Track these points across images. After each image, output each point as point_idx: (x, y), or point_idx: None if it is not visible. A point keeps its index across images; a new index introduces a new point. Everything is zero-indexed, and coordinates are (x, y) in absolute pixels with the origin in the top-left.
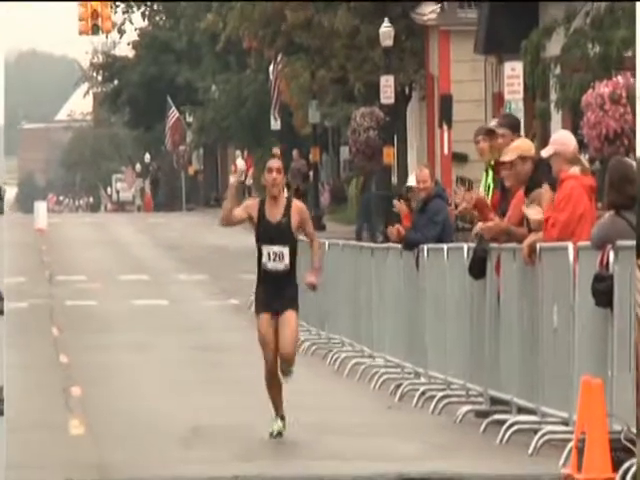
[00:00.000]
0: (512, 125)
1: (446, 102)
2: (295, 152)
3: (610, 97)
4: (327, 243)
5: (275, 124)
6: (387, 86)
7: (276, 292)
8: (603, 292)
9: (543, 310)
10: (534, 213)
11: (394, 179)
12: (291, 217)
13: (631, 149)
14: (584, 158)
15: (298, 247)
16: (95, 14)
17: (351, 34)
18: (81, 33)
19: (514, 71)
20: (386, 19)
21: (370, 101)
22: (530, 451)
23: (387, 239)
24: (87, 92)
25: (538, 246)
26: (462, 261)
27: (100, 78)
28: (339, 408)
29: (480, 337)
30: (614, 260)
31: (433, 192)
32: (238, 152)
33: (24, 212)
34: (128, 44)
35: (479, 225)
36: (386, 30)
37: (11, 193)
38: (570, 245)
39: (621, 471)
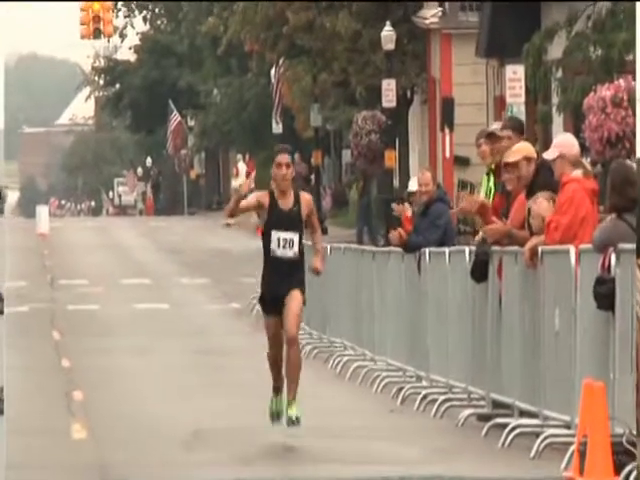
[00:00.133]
0: (517, 128)
1: (448, 105)
2: (297, 155)
3: (612, 100)
4: (329, 247)
5: (277, 127)
6: (389, 89)
7: (283, 279)
8: (605, 295)
9: (545, 313)
10: (542, 209)
11: (396, 182)
12: (301, 206)
13: (633, 152)
14: (586, 161)
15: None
16: (97, 18)
17: (353, 37)
18: (83, 37)
19: (516, 74)
20: (388, 23)
21: (372, 104)
22: (532, 454)
23: (388, 242)
24: (89, 96)
25: (540, 249)
26: (464, 264)
27: (102, 82)
28: (341, 411)
29: (482, 340)
30: (616, 263)
31: (435, 196)
32: (240, 156)
33: (26, 216)
34: (130, 48)
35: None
36: (388, 34)
37: (13, 197)
38: (572, 248)
39: (623, 474)
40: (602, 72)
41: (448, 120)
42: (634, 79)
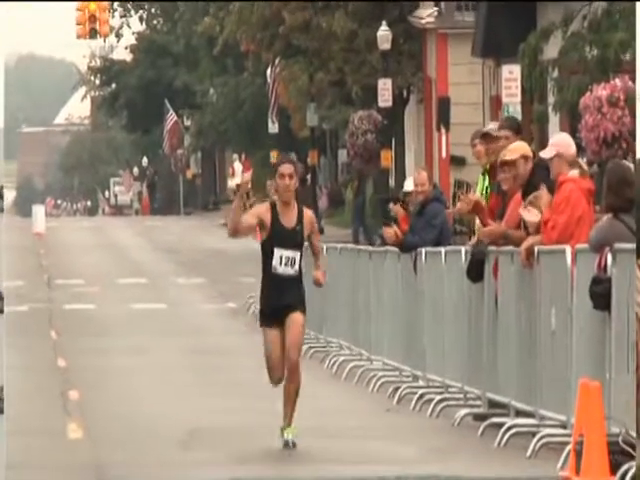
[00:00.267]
0: (514, 128)
1: (444, 105)
2: (293, 155)
3: (608, 100)
4: (325, 247)
5: (273, 127)
6: (385, 89)
7: (283, 292)
8: (601, 295)
9: (541, 313)
10: (531, 216)
11: (392, 182)
12: (304, 225)
13: (629, 152)
14: (582, 161)
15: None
16: (93, 18)
17: (349, 37)
18: (79, 37)
19: (512, 74)
20: (384, 22)
21: (368, 104)
22: (528, 454)
23: (384, 241)
24: (85, 96)
25: (536, 249)
26: (460, 264)
27: (98, 82)
28: (337, 411)
29: (478, 340)
30: (612, 263)
31: (431, 195)
32: (236, 156)
33: (22, 216)
34: (126, 48)
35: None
36: (384, 33)
37: (9, 197)
38: (568, 248)
39: (619, 474)
40: (598, 72)
41: (444, 120)
42: (631, 79)
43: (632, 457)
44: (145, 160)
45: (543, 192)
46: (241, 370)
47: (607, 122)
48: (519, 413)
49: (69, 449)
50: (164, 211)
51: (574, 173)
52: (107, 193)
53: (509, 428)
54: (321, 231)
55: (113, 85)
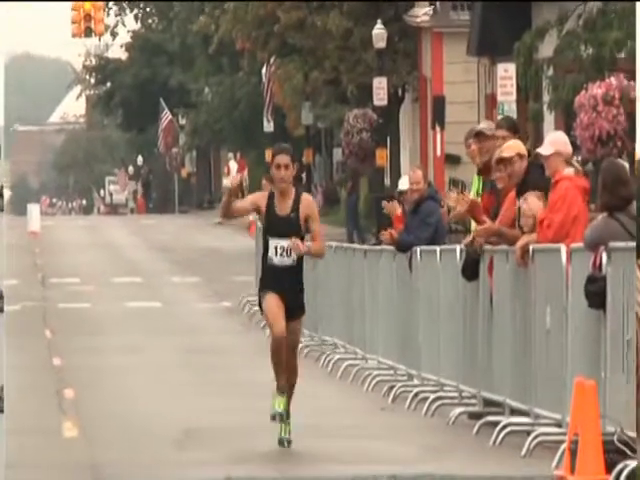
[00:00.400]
0: (511, 127)
1: (439, 104)
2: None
3: (603, 98)
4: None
5: (268, 126)
6: (380, 88)
7: (282, 285)
8: (596, 293)
9: (536, 311)
10: (534, 207)
11: (387, 181)
12: (300, 211)
13: (624, 150)
14: (575, 160)
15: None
16: (88, 17)
17: (344, 36)
18: (74, 35)
19: (507, 72)
20: (379, 21)
21: (363, 103)
22: (523, 453)
23: (379, 241)
24: (80, 94)
25: (531, 248)
26: (455, 263)
27: (93, 80)
28: (332, 410)
29: (473, 339)
30: (607, 261)
31: (426, 194)
32: (231, 154)
33: (17, 214)
34: (121, 46)
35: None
36: (379, 32)
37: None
38: (563, 247)
39: (614, 473)
40: (593, 70)
41: (439, 118)
42: (626, 78)
43: (627, 456)
44: (140, 159)
45: (534, 197)
46: (236, 369)
47: (602, 120)
48: (514, 412)
49: (64, 448)
50: (159, 210)
51: (570, 171)
52: (102, 192)
53: (504, 427)
54: None
55: (108, 84)
